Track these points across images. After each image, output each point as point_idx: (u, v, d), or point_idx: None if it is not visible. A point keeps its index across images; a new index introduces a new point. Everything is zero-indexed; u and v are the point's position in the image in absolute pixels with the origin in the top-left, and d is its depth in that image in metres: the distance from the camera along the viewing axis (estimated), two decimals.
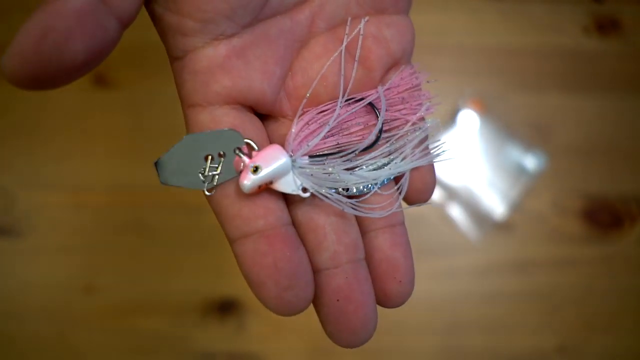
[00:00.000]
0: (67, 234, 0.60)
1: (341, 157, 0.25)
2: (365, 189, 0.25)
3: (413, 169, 0.26)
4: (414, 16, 0.28)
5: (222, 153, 0.23)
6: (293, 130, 0.24)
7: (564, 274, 0.61)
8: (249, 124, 0.24)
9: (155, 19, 0.23)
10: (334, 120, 0.24)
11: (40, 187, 0.61)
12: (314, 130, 0.24)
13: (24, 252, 0.59)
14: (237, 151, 0.23)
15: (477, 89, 0.65)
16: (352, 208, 0.24)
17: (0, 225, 0.60)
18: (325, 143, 0.25)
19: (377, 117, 0.25)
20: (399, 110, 0.26)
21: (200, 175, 0.23)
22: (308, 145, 0.24)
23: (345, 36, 0.25)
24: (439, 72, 0.66)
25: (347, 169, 0.25)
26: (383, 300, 0.25)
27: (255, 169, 0.22)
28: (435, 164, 0.27)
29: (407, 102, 0.26)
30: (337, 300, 0.23)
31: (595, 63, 0.66)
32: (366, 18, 0.25)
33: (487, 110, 0.64)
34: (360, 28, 0.25)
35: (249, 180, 0.22)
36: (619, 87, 0.65)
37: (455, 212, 0.62)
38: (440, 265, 0.60)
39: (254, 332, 0.57)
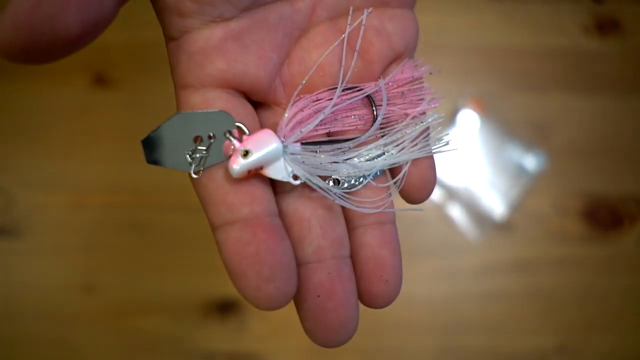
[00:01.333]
0: (67, 234, 0.60)
1: (334, 146, 0.24)
2: (357, 182, 0.24)
3: (413, 165, 0.25)
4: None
5: (211, 135, 0.22)
6: (286, 115, 0.23)
7: (564, 273, 0.60)
8: (241, 109, 0.23)
9: (155, 1, 0.22)
10: (331, 108, 0.24)
11: (40, 187, 0.61)
12: (308, 117, 0.24)
13: (24, 252, 0.59)
14: (227, 134, 0.22)
15: (477, 89, 0.65)
16: (343, 199, 0.24)
17: (0, 225, 0.60)
18: (317, 131, 0.24)
19: (374, 109, 0.25)
20: (397, 104, 0.26)
21: (187, 156, 0.22)
22: (301, 132, 0.23)
23: (348, 26, 0.25)
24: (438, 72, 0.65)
25: (339, 160, 0.24)
26: (368, 300, 0.24)
27: (246, 153, 0.22)
28: (436, 162, 0.26)
29: (407, 97, 0.26)
30: (318, 296, 0.23)
31: (595, 63, 0.66)
32: (369, 9, 0.25)
33: (487, 110, 0.64)
34: (362, 19, 0.25)
35: (238, 165, 0.22)
36: (619, 87, 0.65)
37: (455, 212, 0.62)
38: (440, 265, 0.60)
39: (255, 332, 0.57)
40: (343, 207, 0.25)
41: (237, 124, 0.22)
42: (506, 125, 0.64)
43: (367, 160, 0.25)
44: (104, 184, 0.61)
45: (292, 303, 0.23)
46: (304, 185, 0.23)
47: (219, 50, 0.22)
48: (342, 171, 0.24)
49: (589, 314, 0.60)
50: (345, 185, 0.24)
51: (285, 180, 0.23)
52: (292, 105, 0.24)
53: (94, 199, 0.60)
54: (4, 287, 0.58)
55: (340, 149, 0.24)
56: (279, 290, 0.21)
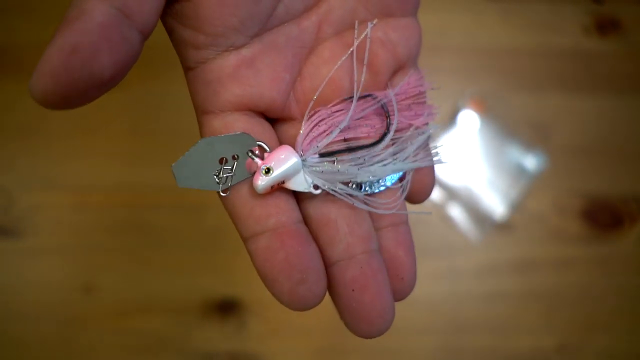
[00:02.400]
0: (67, 234, 0.60)
1: (350, 154, 0.25)
2: (374, 187, 0.26)
3: (414, 172, 0.27)
4: None
5: (235, 156, 0.24)
6: (302, 131, 0.25)
7: (563, 273, 0.61)
8: (260, 128, 0.25)
9: (168, 31, 0.24)
10: (349, 120, 0.25)
11: (40, 187, 0.61)
12: (325, 130, 0.25)
13: (24, 252, 0.59)
14: (249, 153, 0.24)
15: (477, 89, 0.65)
16: (363, 203, 0.25)
17: (0, 225, 0.60)
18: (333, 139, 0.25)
19: (387, 118, 0.26)
20: (405, 115, 0.27)
21: (215, 177, 0.24)
22: (317, 147, 0.25)
23: (355, 40, 0.25)
24: (439, 72, 0.66)
25: (356, 168, 0.25)
26: None
27: (267, 170, 0.23)
28: (434, 168, 0.28)
29: (412, 109, 0.27)
30: (353, 290, 0.24)
31: (595, 63, 0.66)
32: (374, 21, 0.26)
33: (487, 110, 0.64)
34: (367, 32, 0.26)
35: (262, 181, 0.23)
36: (619, 87, 0.65)
37: (455, 212, 0.62)
38: (441, 265, 0.60)
39: (255, 332, 0.57)
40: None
41: (258, 142, 0.24)
42: (506, 125, 0.64)
43: (380, 166, 0.26)
44: (104, 183, 0.61)
45: None
46: (326, 192, 0.25)
47: (234, 77, 0.24)
48: (359, 177, 0.25)
49: (589, 314, 0.60)
50: (367, 189, 0.26)
51: (307, 191, 0.24)
52: (307, 119, 0.25)
53: (94, 199, 0.60)
54: (4, 287, 0.58)
55: (355, 156, 0.25)
56: (310, 291, 0.23)
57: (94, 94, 0.19)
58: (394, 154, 0.26)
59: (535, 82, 0.65)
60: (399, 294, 0.26)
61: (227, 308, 0.58)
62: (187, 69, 0.24)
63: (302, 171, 0.24)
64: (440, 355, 0.58)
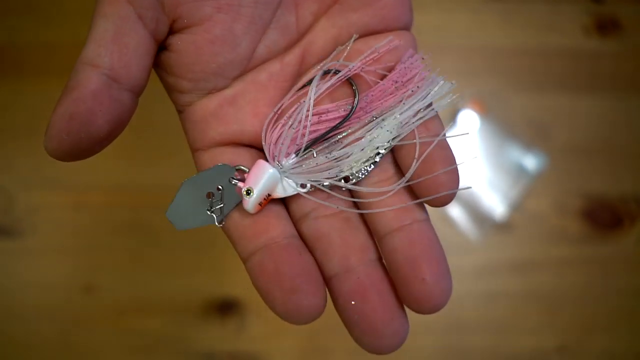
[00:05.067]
0: (67, 234, 0.60)
1: (325, 143, 0.25)
2: (363, 171, 0.25)
3: (425, 166, 0.25)
4: (414, 16, 0.28)
5: (220, 187, 0.25)
6: (264, 143, 0.25)
7: (564, 273, 0.60)
8: (247, 155, 0.26)
9: (160, 79, 0.26)
10: (307, 108, 0.25)
11: (40, 187, 0.61)
12: (288, 129, 0.25)
13: (24, 252, 0.59)
14: (232, 181, 0.25)
15: (477, 89, 0.65)
16: (349, 194, 0.25)
17: (0, 225, 0.60)
18: (304, 135, 0.25)
19: (354, 89, 0.26)
20: (383, 82, 0.26)
21: (207, 212, 0.25)
22: (283, 145, 0.25)
23: (324, 64, 0.26)
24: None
25: (335, 157, 0.25)
26: (414, 305, 0.23)
27: (248, 192, 0.24)
28: (452, 163, 0.26)
29: (398, 74, 0.27)
30: (352, 302, 0.23)
31: (595, 63, 0.66)
32: (355, 36, 0.26)
33: (487, 110, 0.64)
34: (350, 43, 0.26)
35: (247, 204, 0.24)
36: (619, 87, 0.65)
37: (455, 212, 0.62)
38: None
39: (254, 332, 0.57)
40: (364, 219, 0.25)
41: (236, 167, 0.25)
42: (506, 125, 0.64)
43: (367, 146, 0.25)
44: (104, 183, 0.61)
45: None
46: (321, 196, 0.25)
47: (216, 116, 0.25)
48: (344, 163, 0.25)
49: (589, 314, 0.60)
50: (353, 174, 0.25)
51: (295, 193, 0.25)
52: (267, 130, 0.25)
53: (94, 199, 0.60)
54: (4, 287, 0.58)
55: (331, 140, 0.25)
56: (305, 300, 0.22)
57: (98, 148, 0.22)
58: (382, 121, 0.25)
59: (535, 82, 0.65)
60: (427, 300, 0.23)
61: (227, 308, 0.58)
62: (178, 111, 0.26)
63: (281, 178, 0.25)
64: (440, 355, 0.58)
